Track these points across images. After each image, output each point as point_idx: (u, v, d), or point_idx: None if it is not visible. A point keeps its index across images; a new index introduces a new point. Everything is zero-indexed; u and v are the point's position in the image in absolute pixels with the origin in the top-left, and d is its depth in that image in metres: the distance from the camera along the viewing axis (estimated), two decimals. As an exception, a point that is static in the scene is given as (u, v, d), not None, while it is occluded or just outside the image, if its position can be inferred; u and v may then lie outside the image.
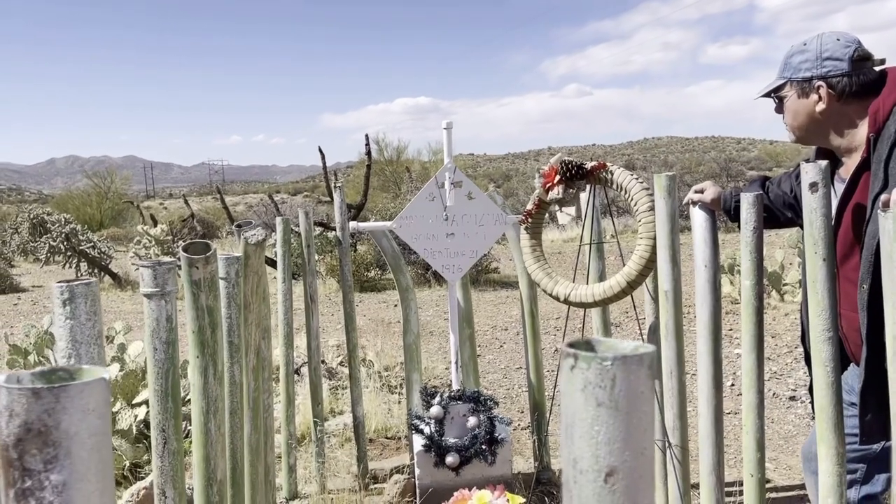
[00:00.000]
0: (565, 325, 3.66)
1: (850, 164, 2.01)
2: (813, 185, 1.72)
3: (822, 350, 1.80)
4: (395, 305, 9.52)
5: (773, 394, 4.95)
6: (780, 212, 2.32)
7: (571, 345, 0.65)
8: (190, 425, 2.63)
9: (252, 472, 2.31)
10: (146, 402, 4.31)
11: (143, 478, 3.75)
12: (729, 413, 4.45)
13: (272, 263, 8.12)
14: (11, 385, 0.58)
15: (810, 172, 1.74)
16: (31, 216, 20.79)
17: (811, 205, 1.75)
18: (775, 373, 5.40)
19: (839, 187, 2.01)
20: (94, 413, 0.60)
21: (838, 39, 1.99)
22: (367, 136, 11.90)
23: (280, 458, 3.50)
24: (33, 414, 0.58)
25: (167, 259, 1.47)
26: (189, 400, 3.57)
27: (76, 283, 1.09)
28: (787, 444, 4.13)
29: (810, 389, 1.93)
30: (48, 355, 5.54)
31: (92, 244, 16.79)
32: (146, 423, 4.19)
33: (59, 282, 1.10)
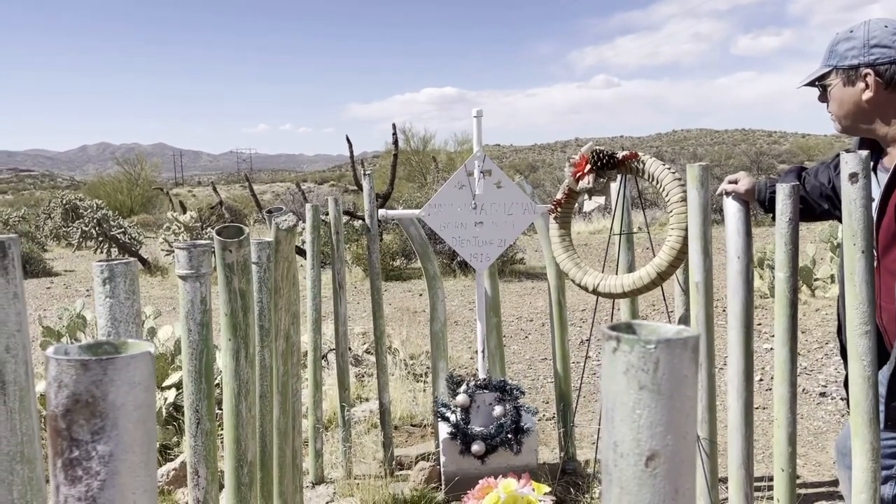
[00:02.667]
0: (594, 316, 3.64)
1: (894, 154, 1.97)
2: (853, 176, 1.69)
3: (858, 344, 1.76)
4: (421, 294, 9.54)
5: (803, 389, 4.89)
6: (817, 203, 2.28)
7: (613, 327, 0.64)
8: (220, 408, 2.67)
9: (280, 456, 2.34)
10: (175, 386, 4.38)
11: (172, 459, 3.81)
12: (757, 408, 4.40)
13: (300, 252, 8.20)
14: (60, 356, 0.59)
15: (850, 163, 1.70)
16: (64, 202, 21.17)
17: (851, 195, 1.71)
18: (805, 368, 5.33)
19: (882, 178, 1.97)
20: (140, 386, 0.61)
21: (886, 26, 1.95)
22: (394, 125, 11.91)
23: (307, 442, 3.53)
24: (81, 385, 0.59)
25: (202, 241, 1.49)
26: (219, 383, 3.62)
27: (116, 262, 1.11)
28: (816, 441, 4.08)
29: (845, 384, 1.90)
30: (80, 338, 5.64)
31: (122, 230, 17.05)
32: (175, 405, 4.26)
33: (100, 261, 1.12)
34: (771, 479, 2.80)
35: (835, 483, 3.49)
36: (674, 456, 0.62)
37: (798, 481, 3.45)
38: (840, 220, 1.89)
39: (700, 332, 2.56)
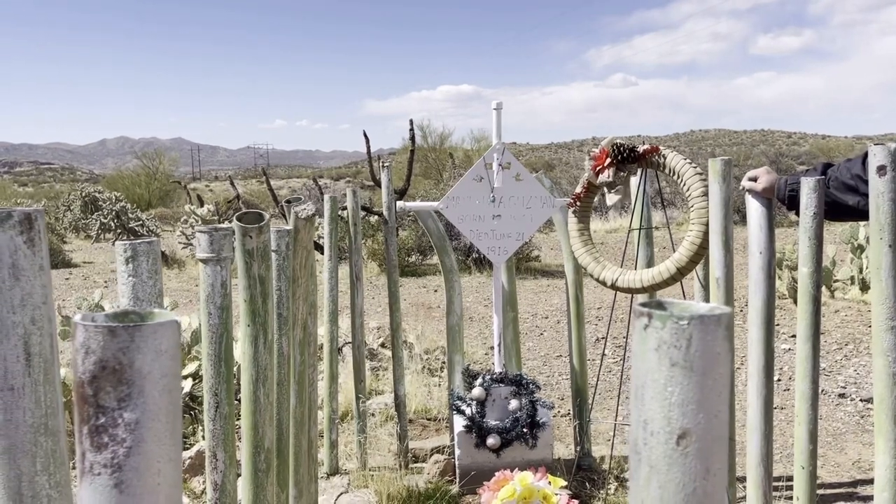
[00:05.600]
0: (611, 314, 3.61)
1: None
2: (881, 169, 1.66)
3: (883, 339, 1.74)
4: (436, 290, 9.54)
5: (822, 390, 4.83)
6: (842, 198, 2.24)
7: (644, 304, 0.63)
8: (237, 398, 2.68)
9: (296, 445, 2.34)
10: (192, 375, 4.40)
11: (188, 448, 3.83)
12: (775, 408, 4.35)
13: (317, 248, 8.21)
14: (87, 323, 0.59)
15: (878, 155, 1.67)
16: (84, 194, 21.34)
17: (878, 189, 1.69)
18: (824, 369, 5.27)
19: None
20: (167, 354, 0.60)
21: None
22: (411, 121, 11.89)
23: (322, 434, 3.54)
24: (109, 352, 0.58)
25: (223, 226, 1.49)
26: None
27: (139, 241, 1.11)
28: (835, 442, 4.03)
29: None
30: (99, 327, 5.70)
31: (140, 222, 17.19)
32: (192, 395, 4.28)
33: (122, 241, 1.12)
34: (788, 478, 2.77)
35: (854, 484, 3.46)
36: (705, 434, 0.61)
37: (816, 482, 3.41)
38: (865, 218, 1.86)
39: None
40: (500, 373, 3.29)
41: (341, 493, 3.33)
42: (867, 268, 7.23)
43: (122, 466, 0.59)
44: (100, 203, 19.42)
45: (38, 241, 0.80)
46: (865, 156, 2.09)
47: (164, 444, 0.61)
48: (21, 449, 0.80)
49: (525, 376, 3.25)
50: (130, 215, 18.07)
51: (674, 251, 2.88)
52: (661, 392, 0.61)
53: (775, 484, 2.95)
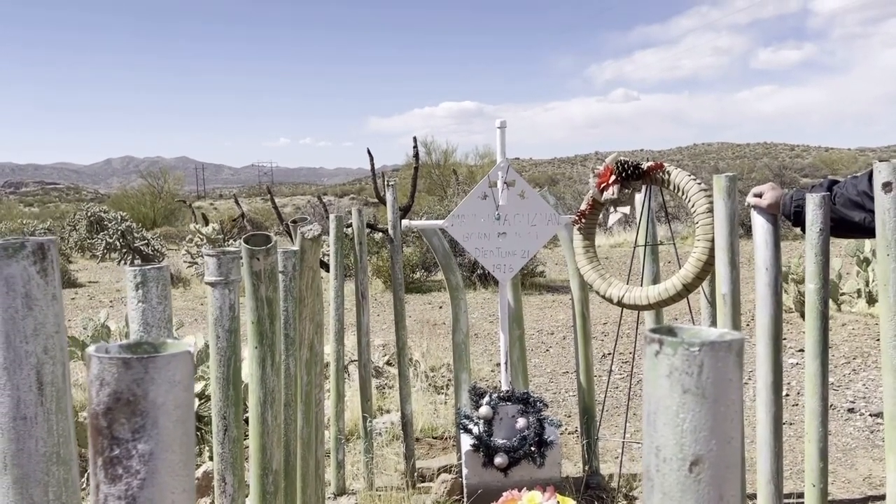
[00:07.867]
0: (618, 330, 3.61)
1: None
2: (887, 185, 1.67)
3: (892, 356, 1.73)
4: (441, 307, 9.52)
5: (831, 405, 4.80)
6: (848, 215, 2.24)
7: (655, 330, 0.63)
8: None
9: (303, 466, 2.34)
10: (197, 396, 4.39)
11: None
12: (783, 423, 4.33)
13: (323, 266, 8.21)
14: (102, 354, 0.59)
15: (884, 172, 1.68)
16: (89, 214, 21.42)
17: (884, 205, 1.69)
18: (832, 384, 5.24)
19: None
20: (180, 385, 0.61)
21: None
22: (415, 138, 11.94)
23: (329, 453, 3.52)
24: (123, 383, 0.59)
25: (231, 249, 1.50)
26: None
27: (148, 267, 1.12)
28: (845, 458, 4.00)
29: None
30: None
31: (146, 241, 17.25)
32: (198, 415, 4.27)
33: (132, 265, 1.13)
34: (799, 495, 2.76)
35: (865, 501, 3.43)
36: (718, 461, 0.61)
37: (827, 498, 3.38)
38: (871, 235, 1.86)
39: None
40: (507, 391, 3.28)
41: (349, 514, 3.32)
42: (874, 280, 7.20)
43: (137, 498, 0.59)
44: (105, 222, 19.50)
45: (51, 270, 0.81)
46: (872, 172, 2.09)
47: (178, 476, 0.61)
48: (33, 478, 0.80)
49: (532, 394, 3.24)
50: (136, 234, 18.14)
51: (679, 266, 2.88)
52: (673, 419, 0.61)
53: (786, 501, 2.92)
